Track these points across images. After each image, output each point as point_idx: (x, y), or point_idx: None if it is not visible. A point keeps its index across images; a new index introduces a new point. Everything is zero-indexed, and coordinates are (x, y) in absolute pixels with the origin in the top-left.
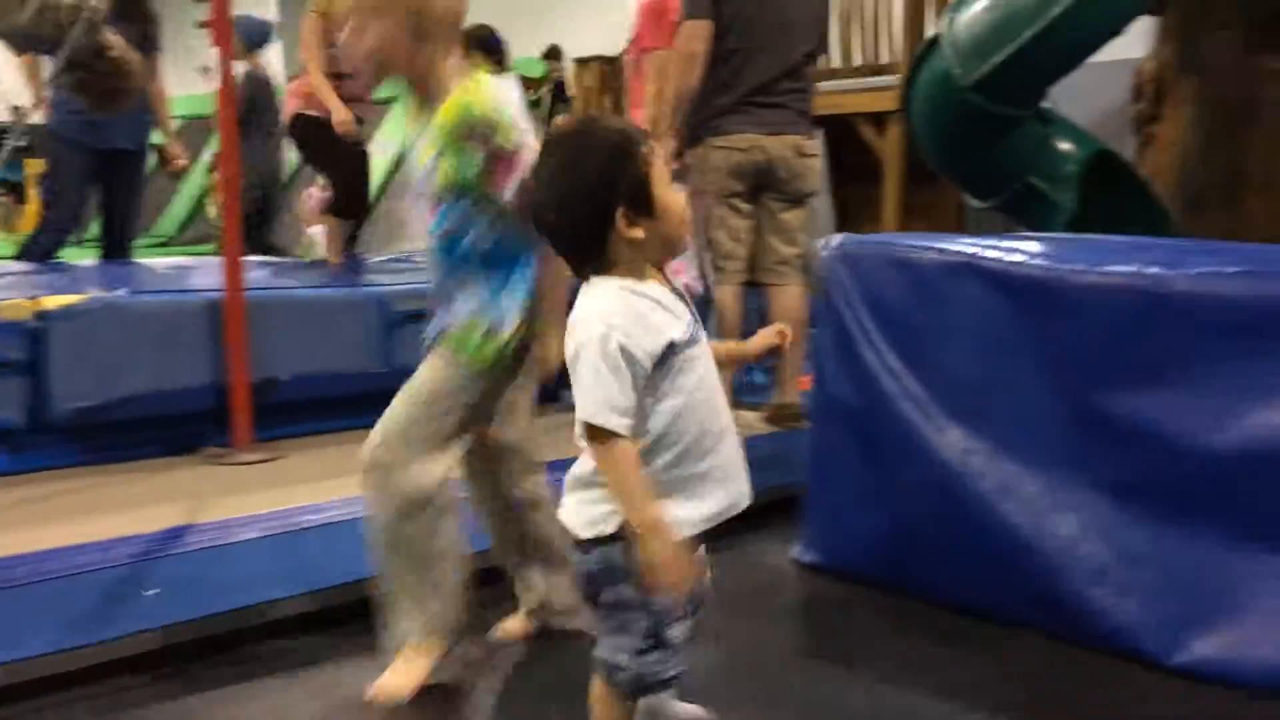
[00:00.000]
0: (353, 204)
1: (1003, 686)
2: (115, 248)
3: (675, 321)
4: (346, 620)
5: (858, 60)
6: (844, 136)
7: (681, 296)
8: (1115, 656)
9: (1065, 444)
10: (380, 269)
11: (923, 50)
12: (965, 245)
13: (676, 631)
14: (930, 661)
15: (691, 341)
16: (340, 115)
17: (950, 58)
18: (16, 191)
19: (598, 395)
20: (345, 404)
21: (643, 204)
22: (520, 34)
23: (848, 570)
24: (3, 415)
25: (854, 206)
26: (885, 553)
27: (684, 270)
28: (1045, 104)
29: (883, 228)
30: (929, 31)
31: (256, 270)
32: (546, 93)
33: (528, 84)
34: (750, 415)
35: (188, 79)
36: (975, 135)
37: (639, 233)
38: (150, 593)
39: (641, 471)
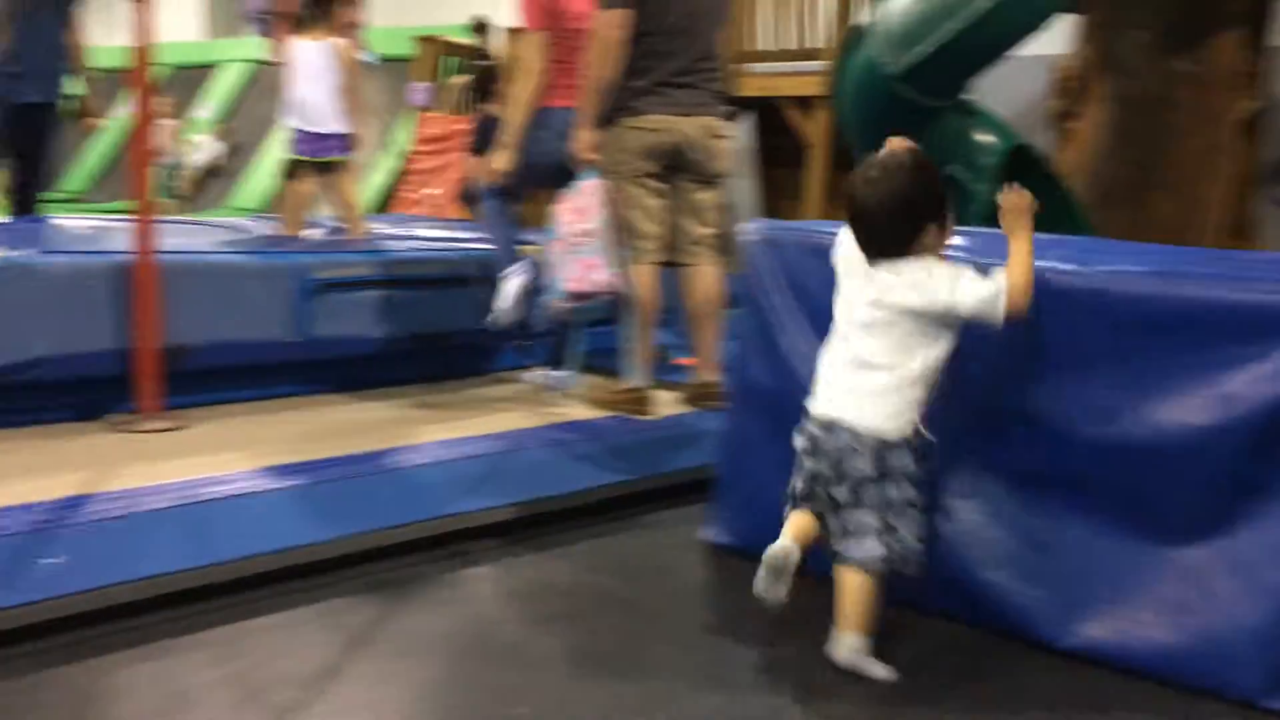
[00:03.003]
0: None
1: (902, 667)
2: (26, 204)
3: None
4: (247, 590)
5: (787, 44)
6: (772, 120)
7: None
8: (1013, 639)
9: (970, 433)
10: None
11: (851, 38)
12: None
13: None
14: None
15: None
16: None
17: (878, 47)
18: None
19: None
20: (258, 374)
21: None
22: (450, 2)
23: (758, 552)
24: None
25: (780, 189)
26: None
27: (599, 266)
28: (967, 96)
29: (808, 211)
30: (858, 18)
31: (171, 234)
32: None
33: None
34: (668, 395)
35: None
36: (899, 123)
37: None
38: (46, 561)
39: None
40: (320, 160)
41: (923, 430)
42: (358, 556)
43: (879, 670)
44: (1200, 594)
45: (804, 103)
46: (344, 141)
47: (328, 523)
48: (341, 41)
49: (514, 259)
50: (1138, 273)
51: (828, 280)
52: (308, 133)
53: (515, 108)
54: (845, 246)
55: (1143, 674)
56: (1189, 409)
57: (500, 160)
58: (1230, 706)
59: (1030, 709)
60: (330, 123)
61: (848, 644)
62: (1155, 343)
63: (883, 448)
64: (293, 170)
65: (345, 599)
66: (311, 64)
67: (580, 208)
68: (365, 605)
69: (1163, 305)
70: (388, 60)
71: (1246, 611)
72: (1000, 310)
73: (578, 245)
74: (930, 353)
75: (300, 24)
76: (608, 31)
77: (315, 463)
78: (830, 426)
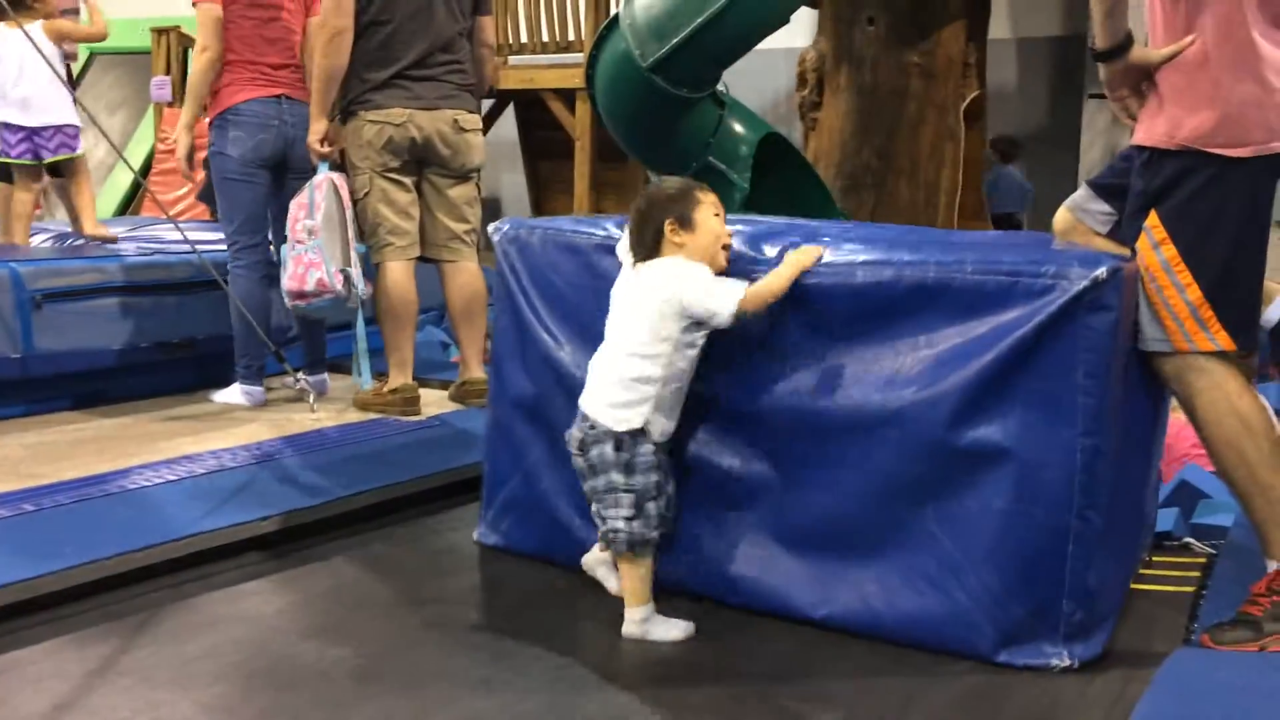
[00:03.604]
0: None
1: (675, 651)
2: None
3: None
4: None
5: (545, 36)
6: (537, 113)
7: None
8: (770, 615)
9: (710, 416)
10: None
11: (604, 30)
12: (620, 228)
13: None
14: (602, 633)
15: None
16: None
17: (630, 39)
18: None
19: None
20: None
21: None
22: None
23: (526, 551)
24: None
25: (549, 183)
26: (563, 530)
27: (318, 264)
28: (720, 87)
29: (575, 202)
30: (613, 10)
31: None
32: None
33: None
34: (438, 394)
35: None
36: (656, 115)
37: None
38: None
39: None
40: (46, 161)
41: (654, 422)
42: (92, 586)
43: (664, 633)
44: (935, 560)
45: (566, 95)
46: (70, 135)
47: (55, 553)
48: (52, 23)
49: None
50: (859, 263)
51: (576, 278)
52: (25, 129)
53: (189, 87)
54: (620, 251)
55: (891, 639)
56: (907, 384)
57: (179, 148)
58: (970, 665)
59: (790, 678)
60: (52, 115)
61: (628, 618)
62: (877, 325)
63: (609, 437)
64: (6, 175)
65: (82, 632)
66: (18, 53)
67: (305, 203)
68: (108, 636)
69: (883, 291)
70: (128, 54)
71: (975, 574)
72: (727, 309)
73: (299, 243)
74: (665, 347)
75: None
76: (334, 19)
77: (42, 488)
78: (584, 418)
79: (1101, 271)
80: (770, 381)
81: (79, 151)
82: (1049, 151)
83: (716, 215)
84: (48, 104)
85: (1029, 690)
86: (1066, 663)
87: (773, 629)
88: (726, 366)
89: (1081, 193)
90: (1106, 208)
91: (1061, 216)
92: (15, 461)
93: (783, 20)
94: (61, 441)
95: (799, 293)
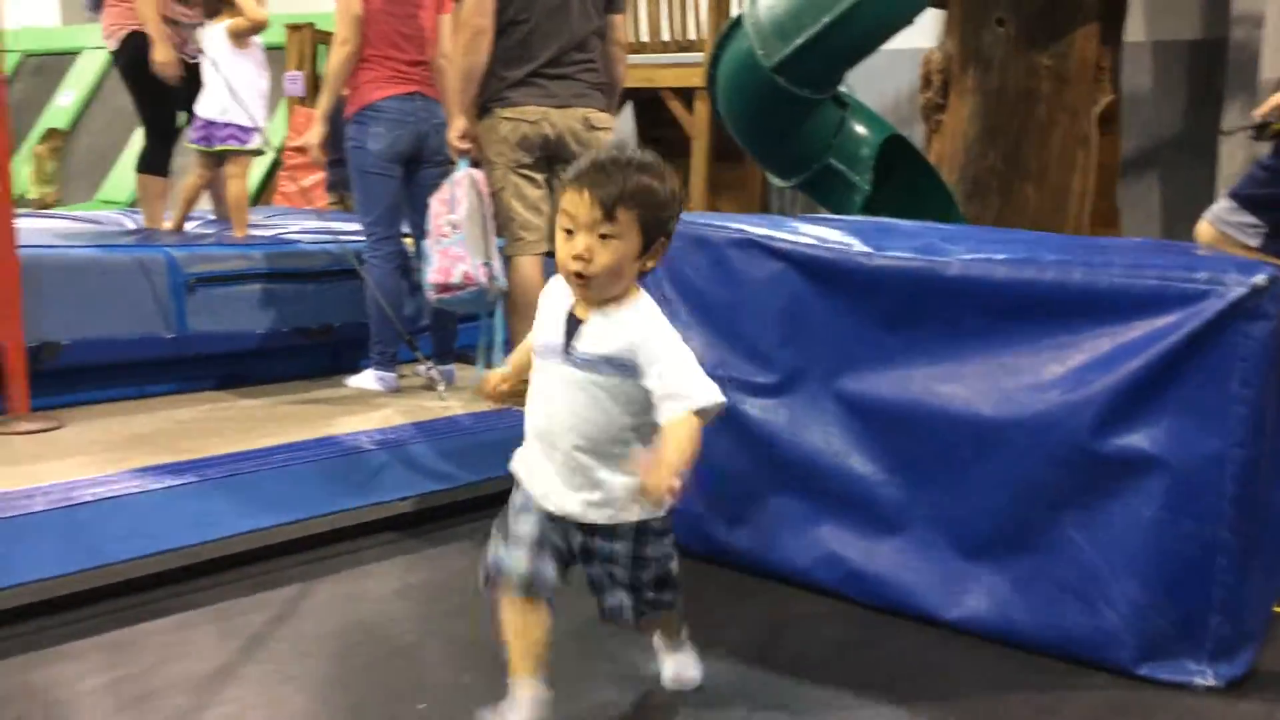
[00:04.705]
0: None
1: (786, 642)
2: None
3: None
4: (134, 594)
5: (666, 35)
6: (654, 111)
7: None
8: (896, 614)
9: (845, 414)
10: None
11: (727, 30)
12: (754, 225)
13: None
14: (731, 622)
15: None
16: (163, 55)
17: (753, 39)
18: None
19: None
20: (134, 371)
21: None
22: None
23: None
24: None
25: None
26: (692, 519)
27: (464, 258)
28: (843, 88)
29: (690, 202)
30: (734, 10)
31: (36, 227)
32: None
33: None
34: None
35: None
36: (777, 116)
37: None
38: None
39: None
40: (220, 150)
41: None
42: (247, 556)
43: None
44: (1075, 567)
45: (685, 94)
46: (248, 130)
47: (215, 522)
48: (232, 22)
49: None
50: (1001, 259)
51: (707, 271)
52: (224, 123)
53: (327, 79)
54: None
55: (1025, 646)
56: (1050, 388)
57: (312, 134)
58: (1109, 677)
59: (917, 679)
60: (249, 112)
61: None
62: (1017, 325)
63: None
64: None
65: (235, 600)
66: (229, 48)
67: (447, 199)
68: (257, 606)
69: (1025, 289)
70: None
71: (1117, 584)
72: None
73: (443, 237)
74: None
75: (212, 9)
76: (476, 19)
77: (196, 462)
78: None
79: (1261, 279)
80: (907, 381)
81: (249, 146)
82: (1185, 160)
83: (567, 229)
84: (250, 100)
85: (1172, 707)
86: (1211, 681)
87: (898, 628)
88: (863, 366)
89: (1223, 204)
90: (1253, 219)
91: (1204, 229)
92: (171, 436)
93: (909, 20)
94: (210, 418)
95: (938, 291)
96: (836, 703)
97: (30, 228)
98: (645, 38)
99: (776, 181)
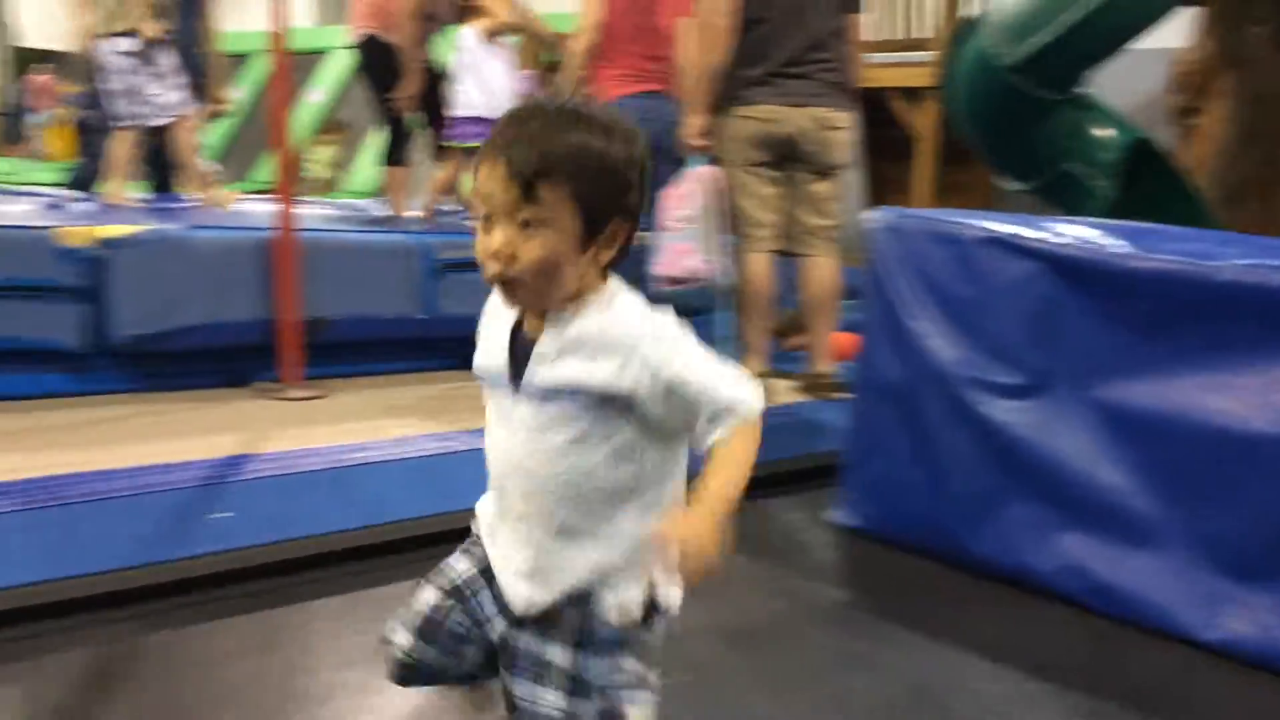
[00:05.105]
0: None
1: (1032, 653)
2: (167, 182)
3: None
4: (394, 553)
5: (892, 34)
6: (876, 111)
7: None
8: (1145, 630)
9: (1101, 425)
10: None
11: (963, 29)
12: (1002, 223)
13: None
14: (968, 624)
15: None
16: (413, 89)
17: (991, 38)
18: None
19: None
20: (387, 348)
21: None
22: None
23: (887, 535)
24: (65, 338)
25: (885, 182)
26: (927, 518)
27: (691, 251)
28: (1086, 89)
29: (914, 204)
30: (966, 9)
31: (311, 212)
32: None
33: None
34: (783, 384)
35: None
36: (1014, 117)
37: None
38: (216, 516)
39: None
40: (474, 145)
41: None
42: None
43: None
44: None
45: (911, 94)
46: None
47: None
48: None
49: None
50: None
51: (951, 269)
52: (477, 119)
53: (566, 70)
54: None
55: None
56: None
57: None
58: None
59: (1165, 700)
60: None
61: None
62: None
63: None
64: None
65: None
66: (482, 49)
67: (683, 194)
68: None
69: None
70: None
71: None
72: None
73: (675, 231)
74: None
75: (465, 11)
76: (716, 18)
77: (458, 432)
78: None
79: None
80: (1167, 389)
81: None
82: None
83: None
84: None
85: None
86: None
87: (1143, 643)
88: (1118, 372)
89: None
90: None
91: None
92: (429, 409)
93: (1160, 19)
94: (458, 395)
95: (1206, 298)
96: (1074, 712)
97: (304, 213)
98: (871, 36)
99: (1010, 186)
